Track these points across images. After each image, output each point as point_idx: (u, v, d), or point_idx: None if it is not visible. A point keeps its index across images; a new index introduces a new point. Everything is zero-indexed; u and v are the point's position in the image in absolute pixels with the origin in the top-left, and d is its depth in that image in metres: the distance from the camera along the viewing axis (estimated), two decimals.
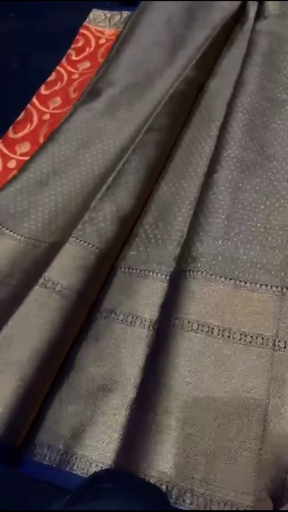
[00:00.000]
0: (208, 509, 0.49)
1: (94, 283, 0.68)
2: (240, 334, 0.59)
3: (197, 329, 0.59)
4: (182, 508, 0.50)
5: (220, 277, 0.64)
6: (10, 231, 0.75)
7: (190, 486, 0.51)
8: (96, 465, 0.55)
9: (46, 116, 1.01)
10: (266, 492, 0.48)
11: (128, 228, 0.75)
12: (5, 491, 0.56)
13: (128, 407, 0.58)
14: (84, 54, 1.15)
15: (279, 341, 0.58)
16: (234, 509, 0.49)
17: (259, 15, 1.04)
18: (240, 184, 0.73)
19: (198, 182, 0.79)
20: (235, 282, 0.63)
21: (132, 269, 0.71)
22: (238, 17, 1.05)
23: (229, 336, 0.59)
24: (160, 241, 0.74)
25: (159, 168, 0.83)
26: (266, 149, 0.77)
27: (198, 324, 0.60)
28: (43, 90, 1.07)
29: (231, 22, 1.03)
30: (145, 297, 0.67)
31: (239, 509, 0.49)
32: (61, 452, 0.57)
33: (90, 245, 0.68)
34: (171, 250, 0.72)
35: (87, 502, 0.40)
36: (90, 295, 0.67)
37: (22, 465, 0.56)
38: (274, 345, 0.57)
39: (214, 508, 0.49)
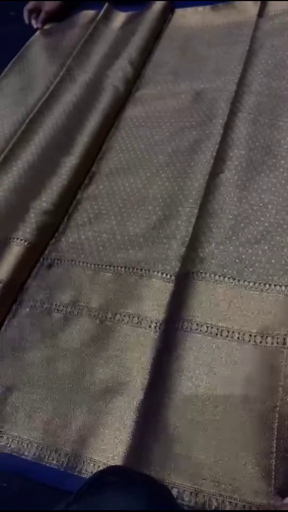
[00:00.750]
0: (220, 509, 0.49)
1: (21, 273, 0.74)
2: (250, 335, 0.58)
3: (206, 331, 0.59)
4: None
5: (228, 278, 0.63)
6: None
7: (201, 488, 0.50)
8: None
9: None
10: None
11: (55, 220, 0.81)
12: (12, 496, 0.55)
13: (136, 409, 0.58)
14: None
15: None
16: (247, 509, 0.48)
17: (261, 12, 1.04)
18: (247, 184, 0.72)
19: (202, 180, 0.79)
20: (243, 282, 0.62)
21: (136, 269, 0.70)
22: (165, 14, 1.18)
23: (238, 338, 0.58)
24: (164, 240, 0.73)
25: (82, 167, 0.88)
26: (273, 148, 0.76)
27: (207, 326, 0.59)
28: None
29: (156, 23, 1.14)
30: (150, 298, 0.67)
31: (252, 509, 0.48)
32: (69, 455, 0.56)
33: (23, 241, 0.74)
34: (176, 250, 0.71)
35: (93, 495, 0.39)
36: (16, 284, 0.73)
37: (29, 469, 0.56)
38: (284, 344, 0.57)
39: (227, 509, 0.49)
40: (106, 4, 1.23)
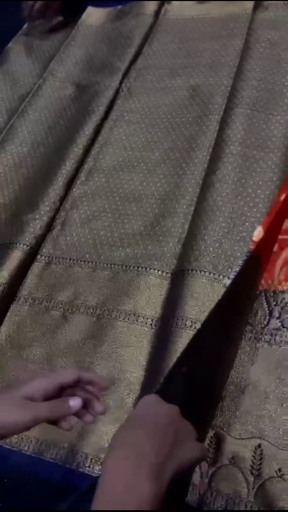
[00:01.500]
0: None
1: (22, 276, 0.75)
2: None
3: None
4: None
5: (223, 276, 0.63)
6: None
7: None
8: (102, 463, 0.56)
9: None
10: None
11: (54, 220, 0.82)
12: (12, 491, 0.57)
13: (133, 405, 0.58)
14: None
15: None
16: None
17: (257, 5, 1.03)
18: (243, 180, 0.72)
19: (198, 177, 0.78)
20: None
21: (133, 266, 0.71)
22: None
23: None
24: (160, 237, 0.73)
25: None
26: (269, 142, 0.76)
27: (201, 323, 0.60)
28: None
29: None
30: (146, 295, 0.67)
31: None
32: (67, 450, 0.57)
33: (26, 246, 0.76)
34: (172, 247, 0.71)
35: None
36: (16, 287, 0.74)
37: (29, 464, 0.57)
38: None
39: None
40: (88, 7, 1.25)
